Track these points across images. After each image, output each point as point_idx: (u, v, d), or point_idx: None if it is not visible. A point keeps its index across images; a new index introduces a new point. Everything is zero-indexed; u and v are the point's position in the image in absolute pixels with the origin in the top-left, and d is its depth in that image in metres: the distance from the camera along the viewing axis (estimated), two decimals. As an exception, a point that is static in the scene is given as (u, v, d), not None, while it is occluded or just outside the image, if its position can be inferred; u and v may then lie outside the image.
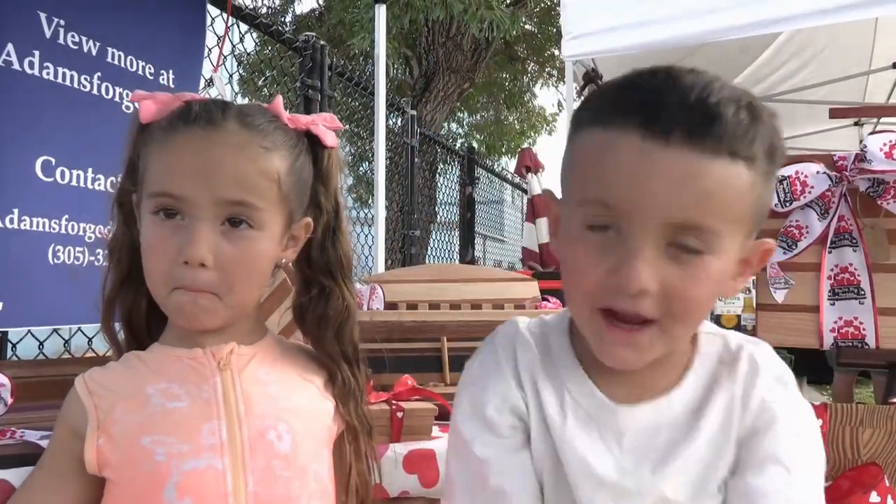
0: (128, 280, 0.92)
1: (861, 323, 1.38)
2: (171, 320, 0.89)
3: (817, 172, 1.40)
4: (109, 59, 2.04)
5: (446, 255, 6.08)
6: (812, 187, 1.39)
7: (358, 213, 5.73)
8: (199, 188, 0.82)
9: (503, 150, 11.06)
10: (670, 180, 0.63)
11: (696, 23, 3.52)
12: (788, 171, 1.40)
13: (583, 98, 0.76)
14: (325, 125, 0.94)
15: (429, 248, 5.96)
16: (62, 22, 1.86)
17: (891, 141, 1.34)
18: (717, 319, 6.63)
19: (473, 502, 0.77)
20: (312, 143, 0.93)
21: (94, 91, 1.80)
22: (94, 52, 1.97)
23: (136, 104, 0.90)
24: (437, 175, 6.22)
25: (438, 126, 7.87)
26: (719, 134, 0.63)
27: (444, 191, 6.23)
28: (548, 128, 11.62)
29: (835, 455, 1.18)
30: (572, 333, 0.80)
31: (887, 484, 1.16)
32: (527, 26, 8.83)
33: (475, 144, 10.09)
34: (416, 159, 4.63)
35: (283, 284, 1.39)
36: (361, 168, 7.04)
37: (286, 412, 0.87)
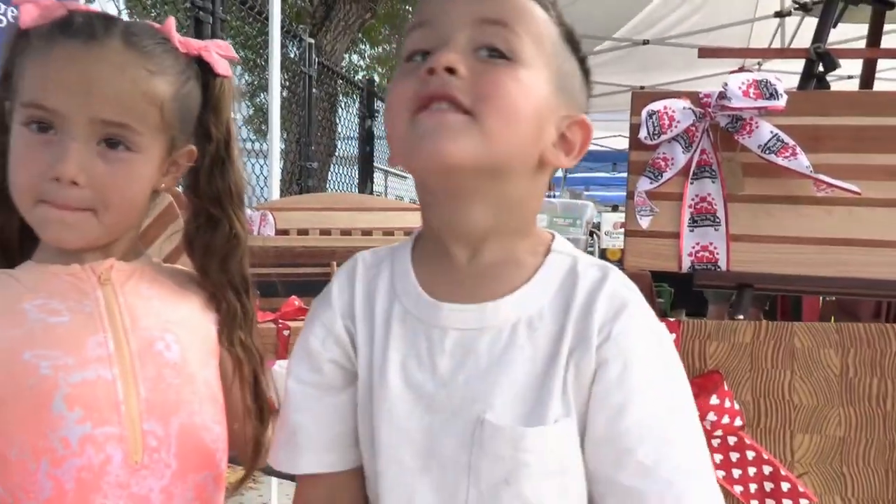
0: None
1: (715, 248, 1.51)
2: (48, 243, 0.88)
3: (684, 108, 1.49)
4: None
5: (345, 189, 6.06)
6: (678, 122, 1.49)
7: (254, 144, 5.60)
8: (74, 104, 0.80)
9: (406, 84, 10.93)
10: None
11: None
12: (657, 106, 1.49)
13: None
14: (219, 52, 0.92)
15: (328, 181, 5.91)
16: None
17: (748, 80, 1.45)
18: (602, 253, 6.97)
19: (278, 432, 0.79)
20: (204, 70, 0.91)
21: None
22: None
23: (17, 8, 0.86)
24: (338, 108, 6.13)
25: (339, 57, 7.69)
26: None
27: (344, 124, 6.16)
28: (450, 63, 11.51)
29: (685, 364, 1.30)
30: (415, 246, 0.78)
31: (726, 388, 1.31)
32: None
33: (377, 78, 9.94)
34: (314, 90, 4.55)
35: (169, 209, 1.38)
36: (259, 98, 6.84)
37: (171, 323, 0.88)
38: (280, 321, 1.34)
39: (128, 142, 0.84)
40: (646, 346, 0.70)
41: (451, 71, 0.67)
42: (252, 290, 0.98)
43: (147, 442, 0.83)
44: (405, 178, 10.23)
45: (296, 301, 1.44)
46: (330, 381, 0.77)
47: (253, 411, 0.98)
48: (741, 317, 1.48)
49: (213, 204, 0.94)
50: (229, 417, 0.95)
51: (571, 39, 0.76)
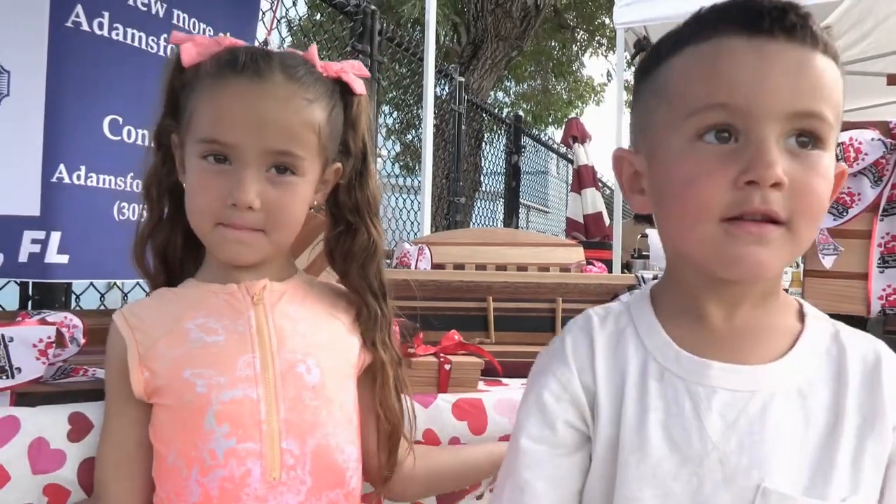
0: (164, 216, 0.97)
1: (910, 291, 1.38)
2: (212, 255, 0.95)
3: (872, 139, 1.38)
4: (175, 21, 2.11)
5: (490, 224, 6.10)
6: (866, 154, 1.38)
7: (403, 180, 5.77)
8: (248, 137, 0.88)
9: (550, 119, 10.96)
10: (787, 72, 0.65)
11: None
12: (842, 137, 1.39)
13: (650, 46, 0.75)
14: (354, 73, 0.98)
15: (473, 216, 5.99)
16: (131, -16, 1.92)
17: (949, 108, 1.32)
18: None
19: (502, 488, 0.77)
20: (343, 90, 0.98)
21: (161, 52, 1.85)
22: (161, 13, 2.03)
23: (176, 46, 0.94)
24: (483, 143, 6.22)
25: (485, 94, 7.83)
26: (815, 36, 0.66)
27: (489, 159, 6.23)
28: (595, 98, 11.45)
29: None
30: (654, 301, 0.77)
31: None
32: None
33: (522, 113, 10.02)
34: (462, 127, 4.64)
35: (319, 224, 1.43)
36: (408, 136, 7.07)
37: (314, 347, 0.94)
38: (441, 355, 1.34)
39: (293, 167, 0.91)
40: None
41: (775, 185, 0.64)
42: (390, 294, 1.03)
43: (284, 459, 0.89)
44: (547, 212, 10.19)
45: (456, 335, 1.44)
46: (562, 440, 0.75)
47: (395, 410, 1.01)
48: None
49: (352, 213, 1.01)
50: (366, 433, 0.99)
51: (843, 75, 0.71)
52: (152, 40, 1.89)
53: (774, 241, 0.66)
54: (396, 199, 4.28)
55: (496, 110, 8.40)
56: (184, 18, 2.17)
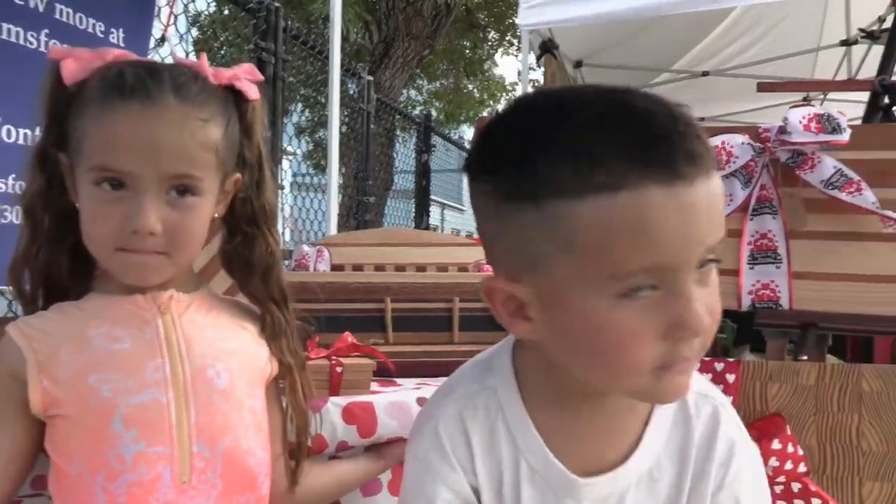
0: (48, 236, 0.93)
1: (777, 286, 1.46)
2: (112, 276, 0.92)
3: (742, 143, 1.46)
4: (58, 16, 2.01)
5: (402, 223, 6.12)
6: (737, 157, 1.45)
7: (313, 179, 5.71)
8: (143, 164, 0.85)
9: (462, 118, 11.04)
10: (703, 214, 0.61)
11: (651, -5, 3.58)
12: (715, 141, 1.46)
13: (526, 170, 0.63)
14: (247, 78, 0.96)
15: (385, 215, 5.98)
16: (5, -23, 1.83)
17: (809, 114, 1.41)
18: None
19: None
20: (236, 97, 0.96)
21: (42, 48, 1.77)
22: (40, 7, 1.94)
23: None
24: (396, 142, 6.22)
25: (398, 92, 7.82)
26: (712, 154, 0.63)
27: (401, 158, 6.24)
28: (507, 97, 11.61)
29: (745, 407, 1.26)
30: (520, 382, 0.75)
31: (789, 432, 1.26)
32: (488, -7, 8.79)
33: (435, 112, 10.05)
34: (371, 126, 4.63)
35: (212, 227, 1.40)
36: (319, 134, 7.00)
37: (223, 352, 0.93)
38: (333, 357, 1.35)
39: (193, 188, 0.89)
40: (753, 484, 0.75)
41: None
42: (290, 300, 1.03)
43: (195, 463, 0.88)
44: (462, 210, 10.27)
45: (349, 337, 1.44)
46: None
47: (306, 415, 1.03)
48: (804, 357, 1.43)
49: (249, 223, 0.99)
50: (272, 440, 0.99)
51: None
52: (31, 35, 1.81)
53: (693, 361, 0.65)
54: (304, 198, 4.24)
55: (409, 109, 8.40)
56: (68, 13, 2.07)
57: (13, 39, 1.74)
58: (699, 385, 0.75)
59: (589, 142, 0.60)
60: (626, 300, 0.61)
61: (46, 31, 1.90)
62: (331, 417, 1.21)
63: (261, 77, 0.99)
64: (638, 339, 0.62)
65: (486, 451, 0.74)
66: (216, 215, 0.96)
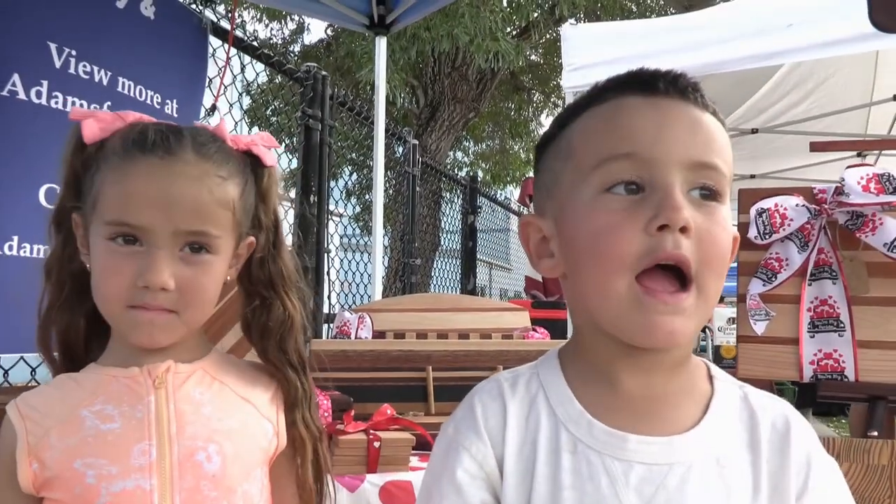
0: (65, 299, 0.93)
1: (840, 355, 1.38)
2: (122, 337, 0.91)
3: (797, 205, 1.40)
4: (120, 89, 2.09)
5: (449, 283, 6.09)
6: (791, 220, 1.39)
7: (361, 240, 5.75)
8: (159, 219, 0.85)
9: (508, 178, 11.09)
10: (684, 125, 0.68)
11: (697, 55, 3.55)
12: (768, 203, 1.40)
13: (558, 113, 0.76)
14: (264, 145, 0.97)
15: (432, 276, 5.97)
16: (73, 52, 1.91)
17: (867, 175, 1.35)
18: (716, 350, 6.59)
19: None
20: (253, 163, 0.96)
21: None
22: (104, 81, 2.02)
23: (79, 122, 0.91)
24: (443, 203, 6.25)
25: (444, 155, 7.92)
26: (704, 100, 0.71)
27: (448, 220, 6.26)
28: (554, 157, 11.59)
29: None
30: (564, 366, 0.75)
31: (862, 518, 1.16)
32: (532, 57, 8.91)
33: (481, 173, 10.12)
34: (417, 188, 4.66)
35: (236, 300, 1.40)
36: (367, 196, 7.08)
37: (218, 433, 0.90)
38: (371, 431, 1.30)
39: (208, 245, 0.89)
40: (839, 490, 0.71)
41: (683, 229, 0.65)
42: (310, 368, 1.01)
43: None
44: (509, 270, 10.23)
45: (388, 410, 1.40)
46: None
47: (314, 491, 0.98)
48: (875, 433, 1.33)
49: (266, 287, 0.98)
50: None
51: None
52: (95, 108, 1.86)
53: (687, 308, 0.65)
54: (350, 261, 4.25)
55: (455, 170, 8.48)
56: (129, 86, 2.16)
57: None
58: (767, 394, 0.75)
59: (594, 86, 0.74)
60: (609, 195, 0.68)
61: (109, 103, 1.97)
62: (367, 497, 1.16)
63: (276, 144, 1.00)
64: (617, 228, 0.66)
65: (523, 422, 0.72)
66: (228, 278, 0.95)
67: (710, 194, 0.68)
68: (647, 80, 0.70)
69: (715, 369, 0.76)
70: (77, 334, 0.95)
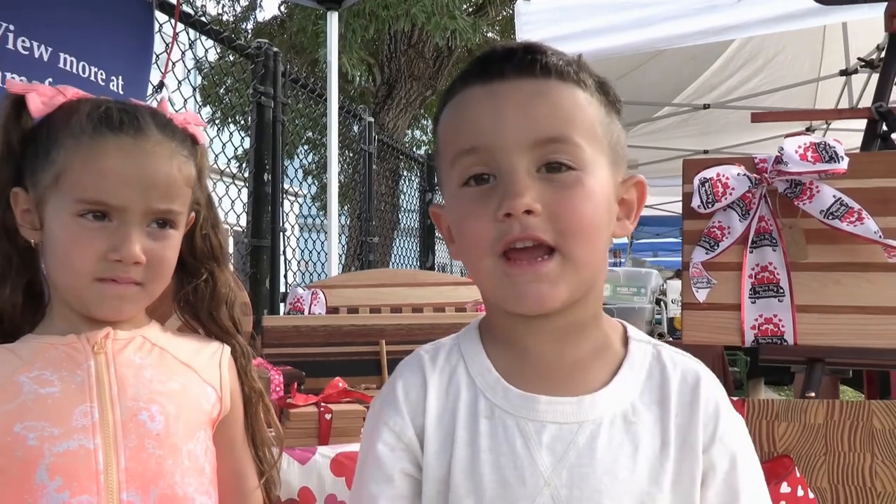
0: (2, 274, 0.93)
1: (780, 320, 1.42)
2: (76, 309, 0.91)
3: (738, 174, 1.43)
4: (61, 65, 2.04)
5: (409, 262, 6.09)
6: (733, 189, 1.42)
7: (319, 220, 5.71)
8: (134, 198, 0.88)
9: (468, 157, 11.08)
10: (520, 105, 0.70)
11: (649, 31, 3.59)
12: (710, 173, 1.43)
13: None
14: (195, 123, 0.99)
15: (392, 254, 5.96)
16: (11, 27, 1.85)
17: (805, 144, 1.38)
18: (670, 322, 6.72)
19: None
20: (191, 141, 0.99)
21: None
22: (45, 57, 1.96)
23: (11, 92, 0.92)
24: (402, 182, 6.23)
25: (402, 133, 7.87)
26: (546, 66, 0.71)
27: (406, 198, 6.25)
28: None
29: (752, 448, 1.21)
30: (483, 337, 0.78)
31: (798, 474, 1.20)
32: (489, 34, 8.88)
33: (439, 152, 10.07)
34: (374, 166, 4.64)
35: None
36: (325, 177, 7.02)
37: (160, 394, 0.91)
38: (322, 404, 1.31)
39: (172, 221, 0.92)
40: (745, 442, 0.74)
41: (528, 212, 0.67)
42: (242, 332, 1.05)
43: None
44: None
45: (340, 383, 1.40)
46: (400, 490, 0.74)
47: (269, 444, 1.03)
48: (812, 394, 1.37)
49: (210, 260, 1.02)
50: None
51: (606, 91, 0.75)
52: (36, 84, 1.81)
53: (550, 273, 0.68)
54: (307, 240, 4.23)
55: (413, 148, 8.43)
56: (71, 62, 2.10)
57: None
58: (680, 352, 0.77)
59: (453, 81, 0.77)
60: (465, 188, 0.72)
61: (51, 79, 1.92)
62: (318, 469, 1.16)
63: (203, 122, 1.03)
64: (473, 219, 0.70)
65: (443, 392, 0.75)
66: None
67: (560, 167, 0.69)
68: (484, 68, 0.73)
69: (633, 331, 0.78)
70: (14, 308, 0.94)
